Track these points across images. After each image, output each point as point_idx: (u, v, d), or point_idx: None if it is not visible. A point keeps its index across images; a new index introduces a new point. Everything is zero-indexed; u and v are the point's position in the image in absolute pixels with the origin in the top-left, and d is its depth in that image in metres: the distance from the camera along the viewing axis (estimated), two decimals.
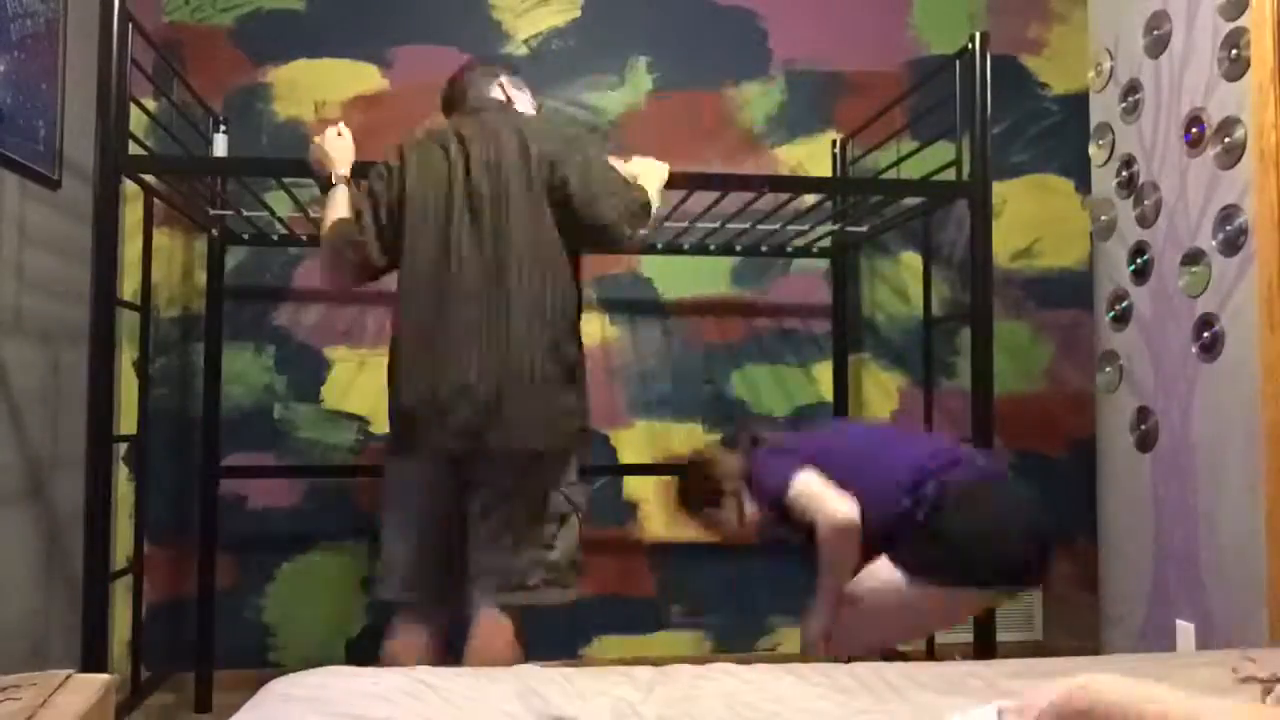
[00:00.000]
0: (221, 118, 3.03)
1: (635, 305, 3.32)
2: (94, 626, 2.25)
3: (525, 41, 3.29)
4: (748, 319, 3.36)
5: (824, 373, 3.36)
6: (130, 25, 2.33)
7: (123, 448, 2.98)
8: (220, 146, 2.92)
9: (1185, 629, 2.56)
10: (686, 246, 3.17)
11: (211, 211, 2.95)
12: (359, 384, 3.17)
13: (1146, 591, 2.74)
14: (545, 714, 1.34)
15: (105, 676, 1.73)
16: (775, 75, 3.37)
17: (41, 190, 2.58)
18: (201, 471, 3.01)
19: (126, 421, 2.96)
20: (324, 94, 3.17)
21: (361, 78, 3.19)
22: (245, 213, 2.90)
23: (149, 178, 2.64)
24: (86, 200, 2.89)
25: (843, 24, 3.32)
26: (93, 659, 2.21)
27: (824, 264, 3.38)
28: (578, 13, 3.27)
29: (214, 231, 3.03)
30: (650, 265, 3.31)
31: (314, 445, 3.15)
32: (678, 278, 3.32)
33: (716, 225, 2.94)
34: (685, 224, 2.92)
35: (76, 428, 2.78)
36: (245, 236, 3.07)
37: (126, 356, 3.02)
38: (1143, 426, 2.76)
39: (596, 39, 3.26)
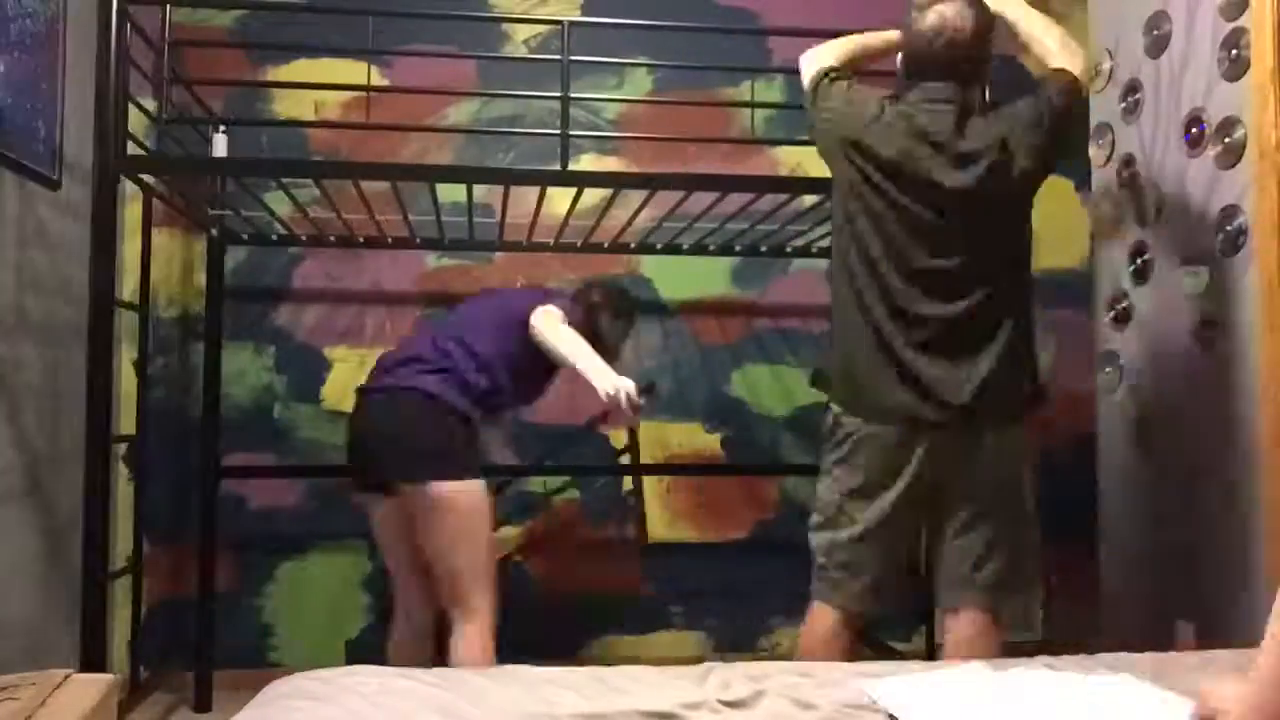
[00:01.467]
0: (221, 118, 3.02)
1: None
2: (93, 626, 2.24)
3: (524, 41, 3.29)
4: (747, 319, 3.36)
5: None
6: (129, 25, 2.32)
7: (123, 447, 2.97)
8: (220, 147, 2.90)
9: (1185, 629, 2.56)
10: (686, 246, 3.17)
11: (211, 211, 2.94)
12: (359, 384, 3.16)
13: (1146, 592, 2.74)
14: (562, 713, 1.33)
15: (106, 676, 1.73)
16: (774, 75, 3.37)
17: (42, 190, 2.57)
18: (201, 471, 3.00)
19: (126, 421, 2.95)
20: (323, 94, 3.16)
21: (361, 78, 3.19)
22: (245, 213, 2.90)
23: (148, 178, 2.63)
24: (86, 200, 2.88)
25: (842, 24, 3.30)
26: (93, 659, 2.21)
27: (824, 264, 3.38)
28: (577, 13, 3.27)
29: (214, 231, 3.03)
30: (650, 265, 3.31)
31: (314, 445, 3.15)
32: (677, 278, 3.32)
33: (716, 225, 2.93)
34: (685, 224, 2.91)
35: (76, 427, 2.78)
36: (245, 236, 3.07)
37: (126, 356, 3.01)
38: (1143, 427, 2.76)
39: (596, 39, 3.25)
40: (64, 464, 2.69)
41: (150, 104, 2.78)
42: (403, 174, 2.71)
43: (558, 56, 2.50)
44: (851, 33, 2.32)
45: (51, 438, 2.65)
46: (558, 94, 2.50)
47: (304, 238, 3.05)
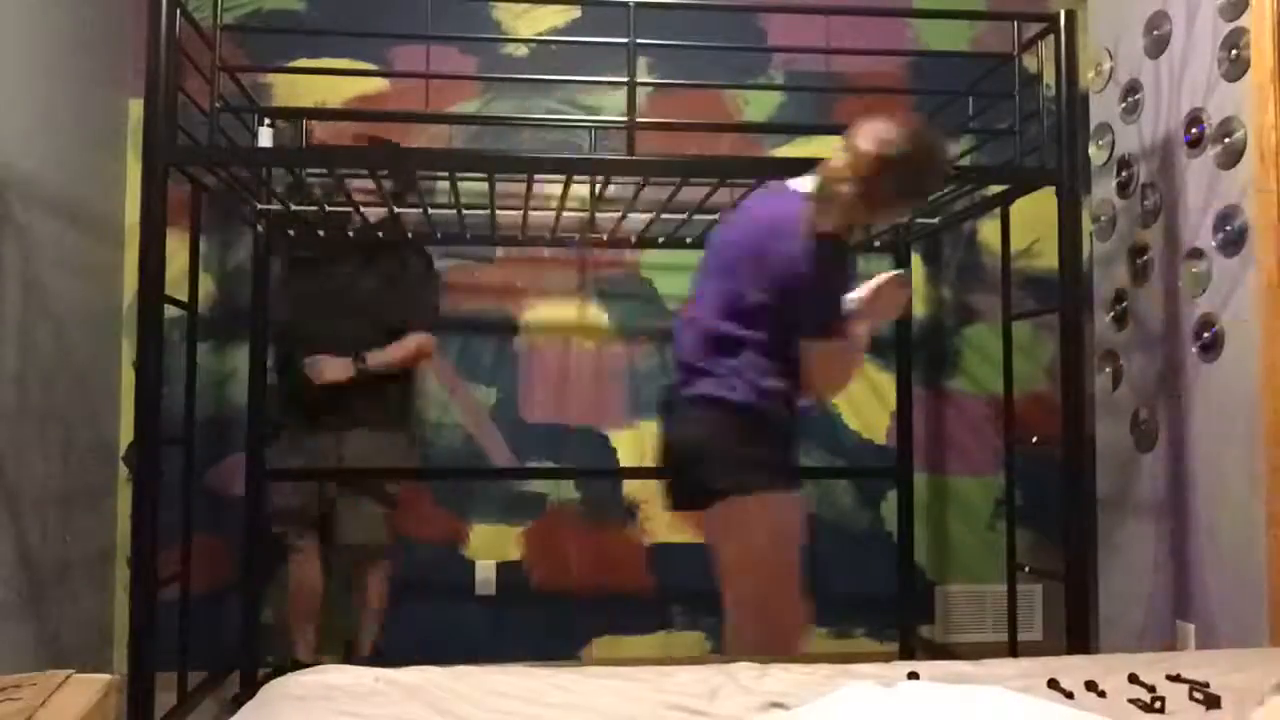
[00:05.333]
0: (266, 109, 2.96)
1: (635, 305, 3.31)
2: (142, 632, 2.21)
3: (525, 41, 3.29)
4: None
5: None
6: (179, 11, 2.26)
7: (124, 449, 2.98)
8: (265, 139, 2.88)
9: (1185, 629, 2.56)
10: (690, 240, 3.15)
11: (259, 206, 2.91)
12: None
13: (1146, 592, 2.74)
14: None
15: (105, 676, 1.72)
16: (775, 76, 3.37)
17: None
18: (248, 473, 3.00)
19: (127, 422, 2.96)
20: (323, 94, 3.16)
21: (361, 78, 3.19)
22: (294, 207, 2.87)
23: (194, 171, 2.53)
24: (90, 204, 2.89)
25: (842, 23, 3.31)
26: (141, 664, 2.20)
27: None
28: (577, 12, 3.26)
29: (259, 227, 3.00)
30: (650, 265, 3.31)
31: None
32: (677, 278, 3.32)
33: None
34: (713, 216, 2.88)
35: (79, 432, 2.79)
36: (291, 232, 3.04)
37: (126, 356, 3.02)
38: (1142, 426, 2.76)
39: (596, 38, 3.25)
40: (68, 466, 2.70)
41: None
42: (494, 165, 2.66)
43: (624, 40, 2.46)
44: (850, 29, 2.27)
45: (61, 441, 2.65)
46: (624, 79, 2.46)
47: (350, 233, 3.00)
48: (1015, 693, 1.27)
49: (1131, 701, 1.36)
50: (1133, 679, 1.46)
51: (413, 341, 2.87)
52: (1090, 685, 1.43)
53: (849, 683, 1.46)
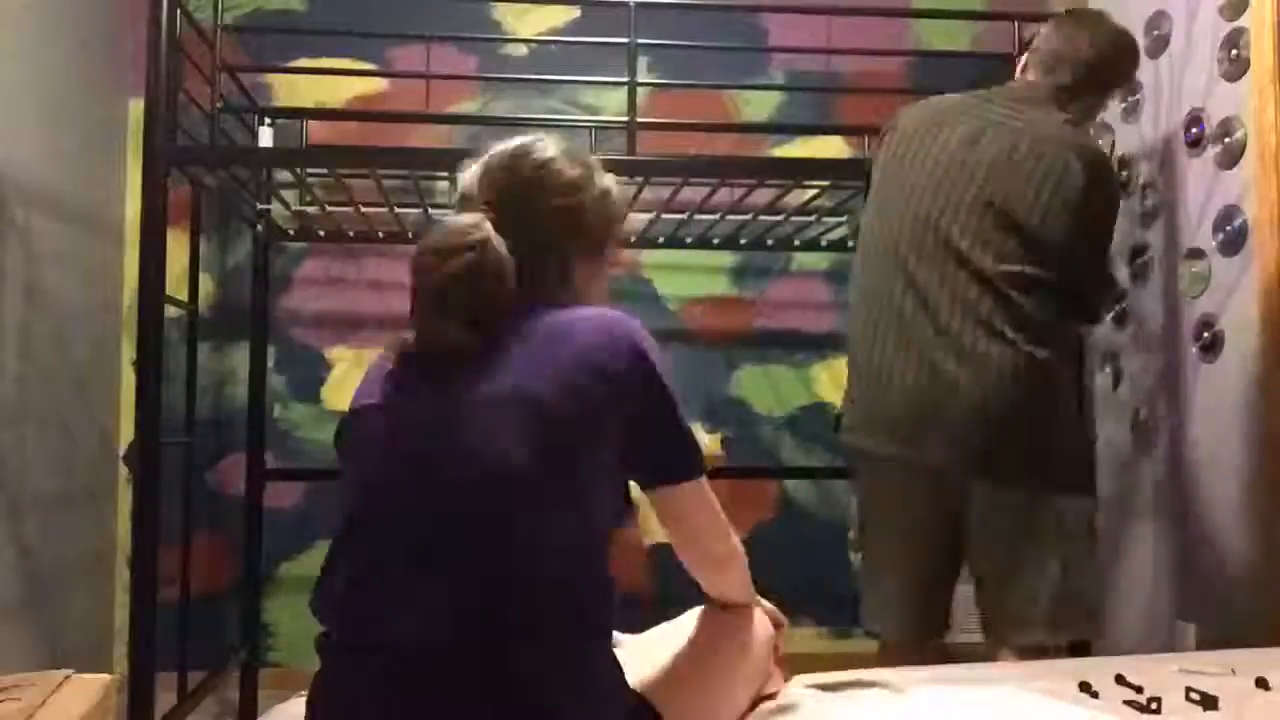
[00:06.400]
0: (266, 109, 2.98)
1: (635, 305, 3.31)
2: (142, 633, 2.21)
3: (525, 41, 3.29)
4: (747, 319, 3.36)
5: (822, 374, 3.36)
6: (179, 14, 2.26)
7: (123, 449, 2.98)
8: (266, 139, 2.88)
9: (1185, 629, 2.56)
10: (716, 240, 3.17)
11: (260, 206, 2.92)
12: (358, 383, 3.17)
13: (1146, 592, 2.74)
14: None
15: (105, 676, 1.73)
16: (775, 76, 3.37)
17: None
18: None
19: (127, 423, 2.96)
20: (323, 95, 3.16)
21: (360, 78, 3.19)
22: (294, 208, 2.88)
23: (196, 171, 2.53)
24: (90, 204, 2.89)
25: (842, 23, 3.30)
26: (141, 665, 2.20)
27: (824, 264, 3.38)
28: (577, 12, 3.26)
29: (259, 228, 3.01)
30: (650, 265, 3.31)
31: (314, 445, 3.15)
32: (677, 278, 3.32)
33: (748, 218, 2.96)
34: (749, 216, 2.94)
35: (79, 432, 2.79)
36: (291, 233, 3.06)
37: (126, 356, 3.02)
38: (1142, 426, 2.76)
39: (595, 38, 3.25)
40: (67, 467, 2.70)
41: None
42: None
43: (624, 40, 2.48)
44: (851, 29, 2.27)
45: (64, 442, 2.65)
46: (624, 79, 2.49)
47: (351, 234, 3.00)
48: (1030, 693, 1.26)
49: (1128, 703, 1.36)
50: (1130, 680, 1.46)
51: None
52: (1085, 686, 1.43)
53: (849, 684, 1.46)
